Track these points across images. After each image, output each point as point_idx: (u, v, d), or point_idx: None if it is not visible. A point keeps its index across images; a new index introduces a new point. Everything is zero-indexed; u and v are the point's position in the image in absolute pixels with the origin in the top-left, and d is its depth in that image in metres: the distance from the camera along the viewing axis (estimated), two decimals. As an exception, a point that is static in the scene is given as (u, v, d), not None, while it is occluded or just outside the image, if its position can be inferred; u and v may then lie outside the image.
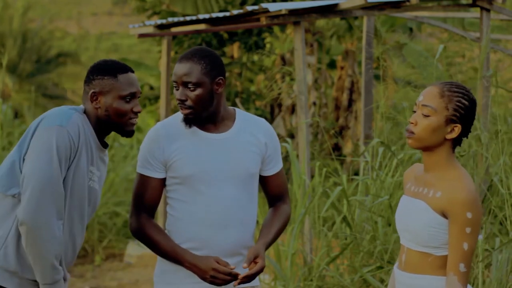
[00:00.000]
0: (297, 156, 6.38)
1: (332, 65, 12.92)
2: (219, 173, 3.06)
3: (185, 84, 2.99)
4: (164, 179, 3.12)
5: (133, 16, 25.42)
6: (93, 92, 2.91)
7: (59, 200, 2.79)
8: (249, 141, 3.10)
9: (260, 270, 3.00)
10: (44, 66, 22.51)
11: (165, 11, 11.71)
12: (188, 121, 3.03)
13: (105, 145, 3.00)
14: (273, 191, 3.20)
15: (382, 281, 5.16)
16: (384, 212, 5.36)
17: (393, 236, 5.10)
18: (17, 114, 16.46)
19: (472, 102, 2.72)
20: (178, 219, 3.10)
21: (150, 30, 7.93)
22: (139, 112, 2.95)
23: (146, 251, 8.42)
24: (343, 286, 5.17)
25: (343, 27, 12.06)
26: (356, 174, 9.04)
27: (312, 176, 7.09)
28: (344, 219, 5.31)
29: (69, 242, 2.93)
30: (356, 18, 11.33)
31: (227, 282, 2.97)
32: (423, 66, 9.58)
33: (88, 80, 2.94)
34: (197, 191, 3.07)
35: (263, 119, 3.20)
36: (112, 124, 2.94)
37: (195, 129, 3.09)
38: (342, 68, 11.84)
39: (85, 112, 2.96)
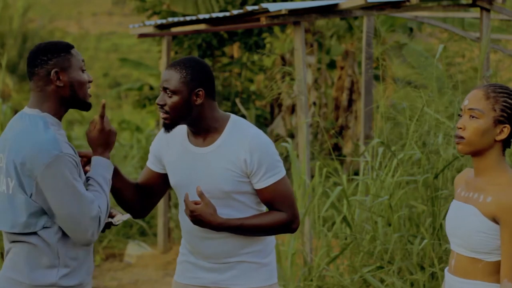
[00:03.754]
0: (297, 156, 6.37)
1: (332, 65, 12.91)
2: (195, 187, 3.08)
3: (165, 90, 3.05)
4: (158, 173, 3.25)
5: (133, 16, 25.43)
6: (55, 71, 2.91)
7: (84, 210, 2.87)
8: (227, 158, 3.06)
9: (195, 210, 2.99)
10: (44, 66, 22.50)
11: (165, 11, 11.71)
12: (165, 126, 3.09)
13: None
14: (266, 204, 3.15)
15: (382, 281, 5.16)
16: (384, 212, 5.36)
17: (393, 236, 5.10)
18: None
19: None
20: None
21: (150, 30, 7.93)
22: (92, 81, 3.02)
23: (146, 251, 8.41)
24: (343, 286, 5.17)
25: (343, 27, 12.06)
26: (356, 174, 9.04)
27: (312, 176, 7.09)
28: (344, 219, 5.31)
29: None
30: (356, 18, 11.33)
31: None
32: (423, 66, 9.58)
33: (40, 63, 2.92)
34: (181, 202, 3.19)
35: (252, 132, 3.10)
36: (76, 99, 2.96)
37: (184, 140, 3.15)
38: (342, 68, 11.84)
39: (41, 100, 2.96)
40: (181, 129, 3.17)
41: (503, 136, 2.69)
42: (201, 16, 7.20)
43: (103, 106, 3.04)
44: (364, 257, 5.28)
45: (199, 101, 3.04)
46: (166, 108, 3.04)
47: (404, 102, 6.38)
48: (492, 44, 8.87)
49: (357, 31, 11.60)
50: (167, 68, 3.08)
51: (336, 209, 5.48)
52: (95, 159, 3.01)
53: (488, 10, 6.47)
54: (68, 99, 2.95)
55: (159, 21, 7.85)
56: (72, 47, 2.99)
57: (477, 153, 2.72)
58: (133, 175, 9.85)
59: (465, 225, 2.70)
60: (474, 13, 9.30)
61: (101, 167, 2.99)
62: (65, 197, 2.81)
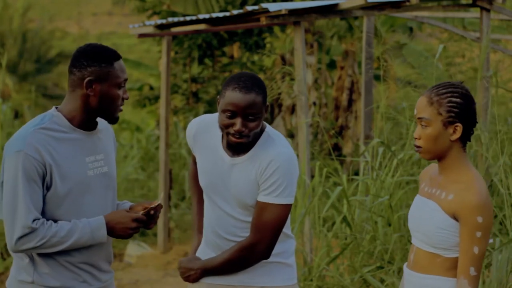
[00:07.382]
0: (297, 156, 6.37)
1: (332, 65, 12.91)
2: (223, 195, 3.10)
3: (246, 115, 2.95)
4: None
5: (133, 16, 25.42)
6: (89, 80, 2.88)
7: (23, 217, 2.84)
8: (254, 171, 3.03)
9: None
10: (44, 66, 22.53)
11: (165, 11, 11.71)
12: (239, 148, 3.02)
13: (93, 127, 3.01)
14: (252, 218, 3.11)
15: (382, 281, 5.16)
16: (384, 212, 5.36)
17: (393, 236, 5.10)
18: (17, 114, 16.46)
19: (465, 97, 2.71)
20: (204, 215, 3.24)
21: (150, 30, 7.93)
22: (127, 99, 2.98)
23: (146, 251, 8.41)
24: (343, 286, 5.17)
25: (343, 27, 12.06)
26: (356, 174, 9.04)
27: (312, 176, 7.09)
28: (344, 219, 5.31)
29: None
30: (356, 18, 11.33)
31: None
32: (423, 66, 9.59)
33: (80, 66, 2.90)
34: (209, 199, 3.17)
35: (282, 151, 3.03)
36: (102, 110, 2.94)
37: (218, 145, 3.10)
38: (342, 68, 11.83)
39: (69, 100, 2.96)
40: (214, 133, 3.12)
41: (458, 135, 2.72)
42: (201, 16, 7.20)
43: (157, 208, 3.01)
44: (364, 257, 5.28)
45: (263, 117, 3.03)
46: (246, 132, 2.95)
47: (404, 102, 6.38)
48: (492, 44, 8.87)
49: (357, 31, 11.59)
50: (242, 91, 2.94)
51: (336, 209, 5.48)
52: (102, 218, 2.93)
53: (488, 10, 6.47)
54: (94, 108, 2.93)
55: (159, 21, 7.85)
56: (117, 59, 2.93)
57: (438, 157, 2.76)
58: (133, 175, 9.84)
59: (427, 220, 2.74)
60: (474, 13, 9.30)
61: (92, 227, 2.90)
62: (7, 193, 2.84)
